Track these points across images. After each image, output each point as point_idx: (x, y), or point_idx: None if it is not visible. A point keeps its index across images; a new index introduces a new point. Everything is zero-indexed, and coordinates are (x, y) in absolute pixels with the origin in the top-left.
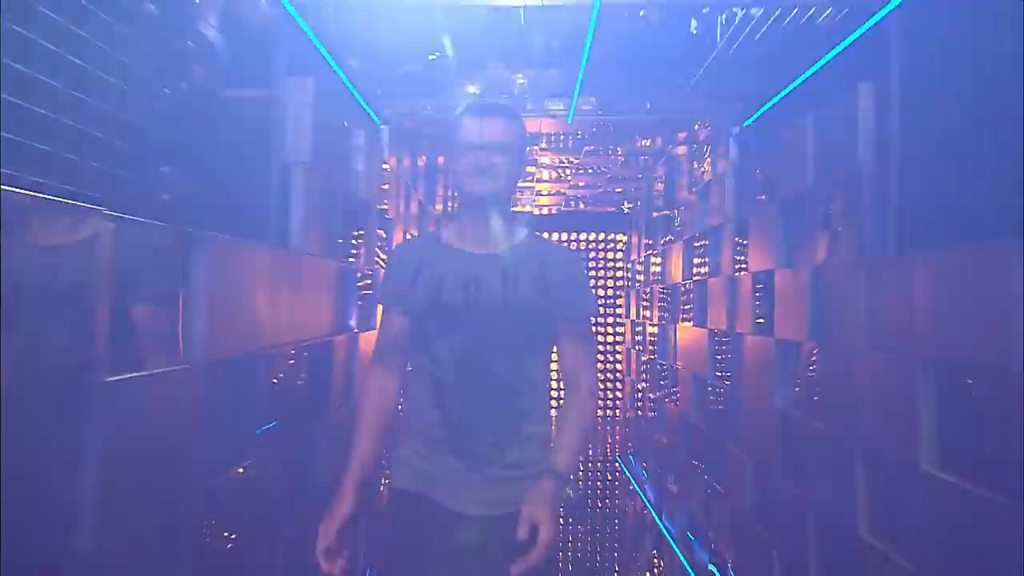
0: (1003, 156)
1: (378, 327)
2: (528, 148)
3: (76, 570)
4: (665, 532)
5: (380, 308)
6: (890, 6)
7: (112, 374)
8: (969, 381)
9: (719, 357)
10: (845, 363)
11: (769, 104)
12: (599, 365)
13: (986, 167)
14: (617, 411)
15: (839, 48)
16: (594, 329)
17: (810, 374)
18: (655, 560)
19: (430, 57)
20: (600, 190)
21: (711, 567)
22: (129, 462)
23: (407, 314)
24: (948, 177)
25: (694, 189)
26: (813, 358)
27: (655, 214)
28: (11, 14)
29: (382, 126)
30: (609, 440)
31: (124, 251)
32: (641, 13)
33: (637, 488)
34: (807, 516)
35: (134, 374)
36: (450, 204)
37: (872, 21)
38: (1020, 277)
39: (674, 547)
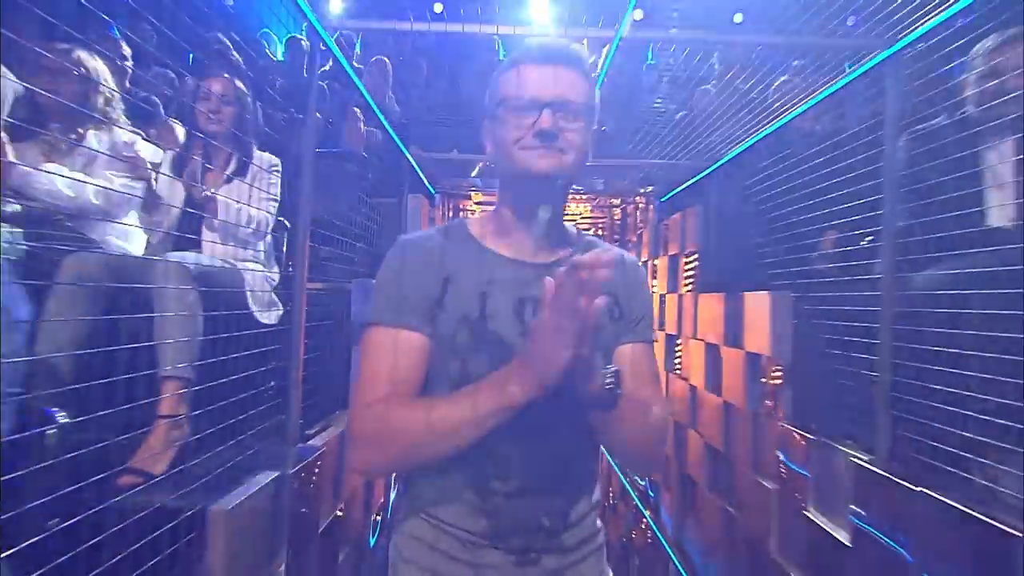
0: (759, 249)
1: (371, 355)
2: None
3: None
4: (623, 481)
5: (373, 329)
6: (711, 169)
7: None
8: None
9: None
10: (706, 350)
11: (666, 197)
12: None
13: (748, 254)
14: None
15: (686, 184)
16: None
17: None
18: (612, 497)
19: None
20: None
21: (650, 493)
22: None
23: (429, 336)
24: (735, 255)
25: (638, 232)
26: (678, 349)
27: (617, 242)
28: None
29: (436, 194)
30: None
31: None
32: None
33: (608, 458)
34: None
35: None
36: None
37: (703, 174)
38: (762, 308)
39: (628, 489)
